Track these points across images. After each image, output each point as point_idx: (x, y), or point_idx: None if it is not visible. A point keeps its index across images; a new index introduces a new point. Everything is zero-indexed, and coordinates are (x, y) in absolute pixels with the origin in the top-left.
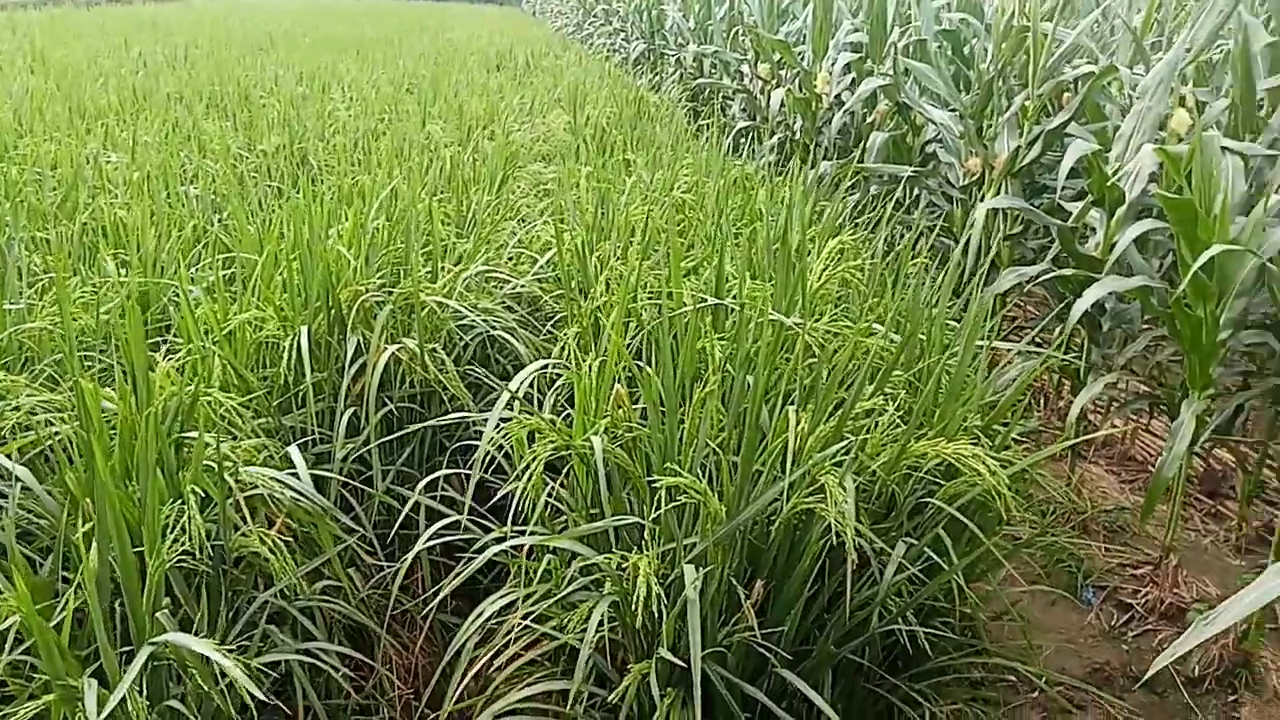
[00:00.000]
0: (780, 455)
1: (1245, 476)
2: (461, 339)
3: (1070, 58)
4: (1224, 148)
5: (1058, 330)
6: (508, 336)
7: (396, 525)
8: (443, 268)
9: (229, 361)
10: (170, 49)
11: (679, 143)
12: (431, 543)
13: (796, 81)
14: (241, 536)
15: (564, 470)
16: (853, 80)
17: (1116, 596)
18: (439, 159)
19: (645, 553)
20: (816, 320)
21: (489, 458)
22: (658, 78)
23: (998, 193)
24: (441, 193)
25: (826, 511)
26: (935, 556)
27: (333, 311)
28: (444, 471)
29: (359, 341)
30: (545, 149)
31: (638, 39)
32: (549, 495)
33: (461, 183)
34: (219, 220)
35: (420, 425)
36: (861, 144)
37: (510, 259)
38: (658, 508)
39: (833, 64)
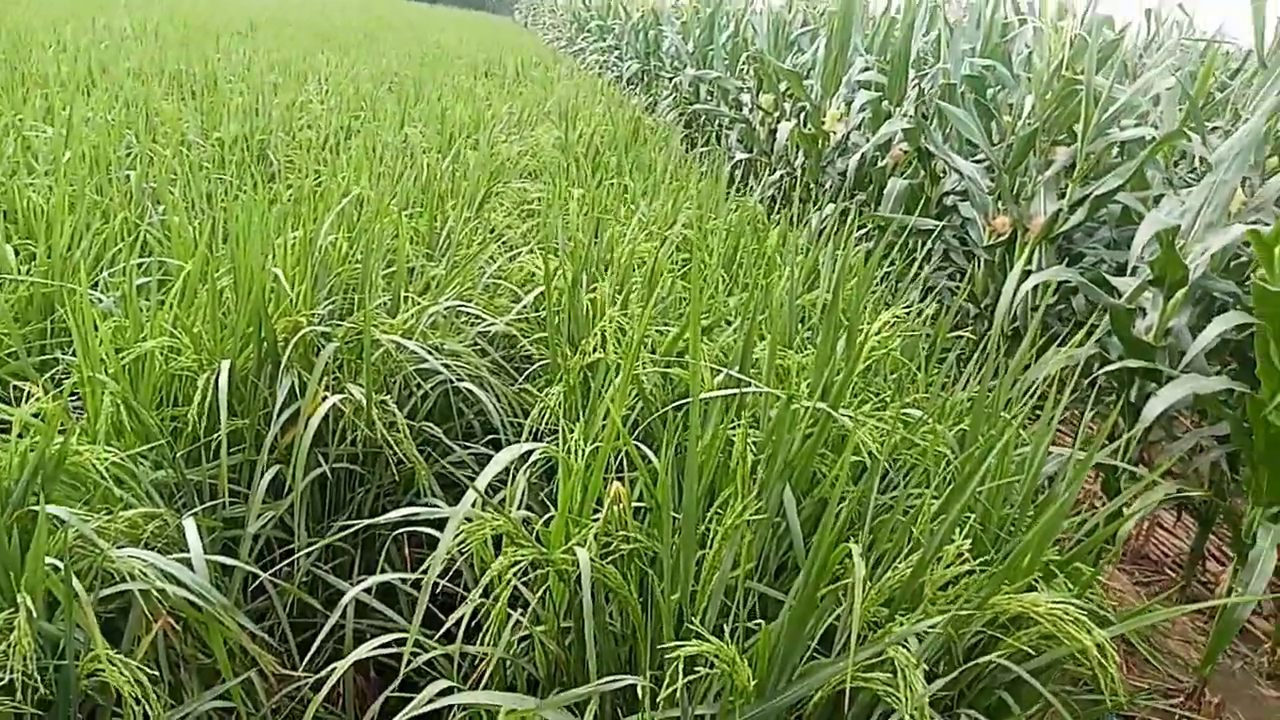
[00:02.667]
0: (831, 605)
1: None
2: (420, 386)
3: (1118, 118)
4: None
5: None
6: (477, 391)
7: (323, 633)
8: (406, 297)
9: (125, 400)
10: (142, 24)
11: (678, 170)
12: (362, 656)
13: (802, 116)
14: (93, 661)
15: (536, 581)
16: (863, 120)
17: None
18: (415, 166)
19: None
20: (863, 406)
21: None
22: (652, 99)
23: (1031, 257)
24: (414, 205)
25: (896, 700)
26: None
27: (265, 344)
28: (382, 577)
29: (293, 384)
30: (533, 164)
31: (632, 58)
32: (515, 608)
33: (438, 195)
34: (156, 214)
35: (361, 522)
36: (870, 188)
37: (486, 289)
38: (657, 645)
39: (846, 102)
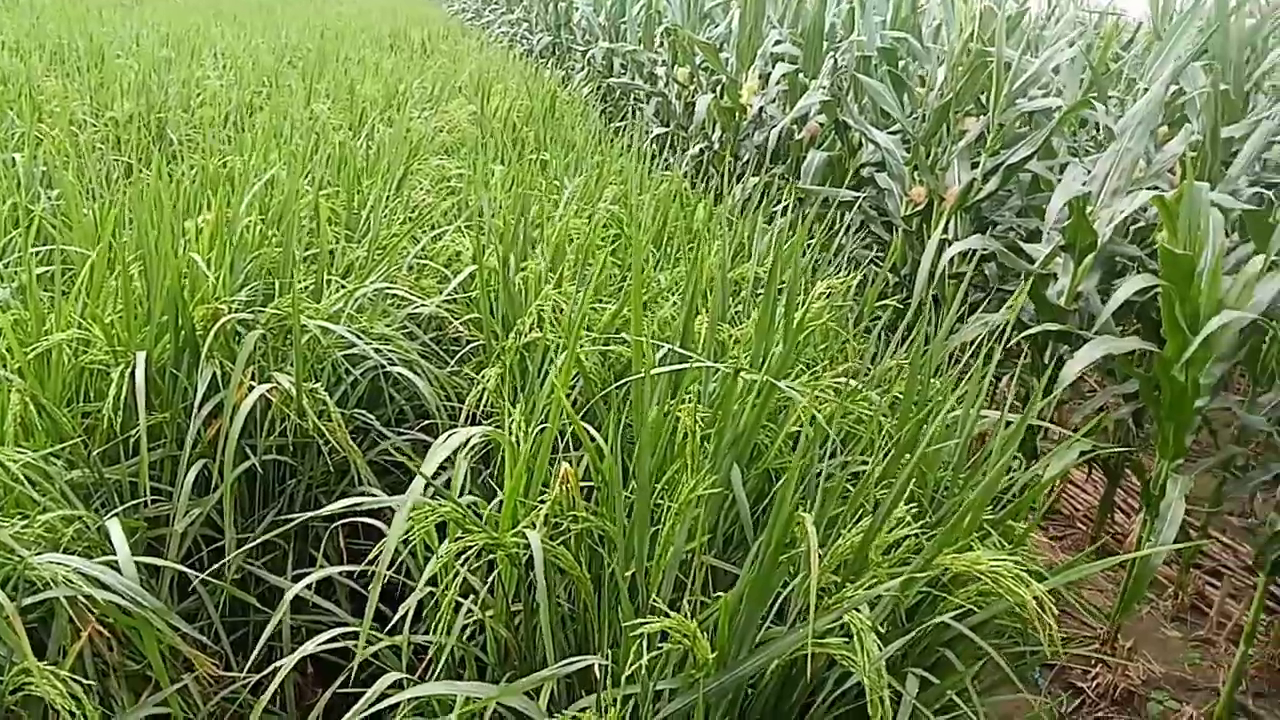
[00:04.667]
0: (784, 575)
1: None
2: (349, 373)
3: (1028, 88)
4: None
5: (999, 374)
6: (410, 375)
7: (266, 633)
8: (329, 280)
9: (33, 397)
10: None
11: (599, 146)
12: (309, 652)
13: (719, 89)
14: (21, 674)
15: (482, 567)
16: (781, 93)
17: (1065, 678)
18: (327, 143)
19: (604, 705)
20: (799, 377)
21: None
22: (565, 73)
23: (947, 226)
24: (329, 185)
25: (853, 663)
26: (959, 702)
27: (182, 333)
28: (326, 571)
29: (215, 374)
30: (449, 140)
31: (542, 31)
32: (462, 595)
33: (354, 174)
34: (49, 200)
35: (299, 516)
36: (789, 160)
37: (411, 270)
38: (611, 623)
39: (761, 76)
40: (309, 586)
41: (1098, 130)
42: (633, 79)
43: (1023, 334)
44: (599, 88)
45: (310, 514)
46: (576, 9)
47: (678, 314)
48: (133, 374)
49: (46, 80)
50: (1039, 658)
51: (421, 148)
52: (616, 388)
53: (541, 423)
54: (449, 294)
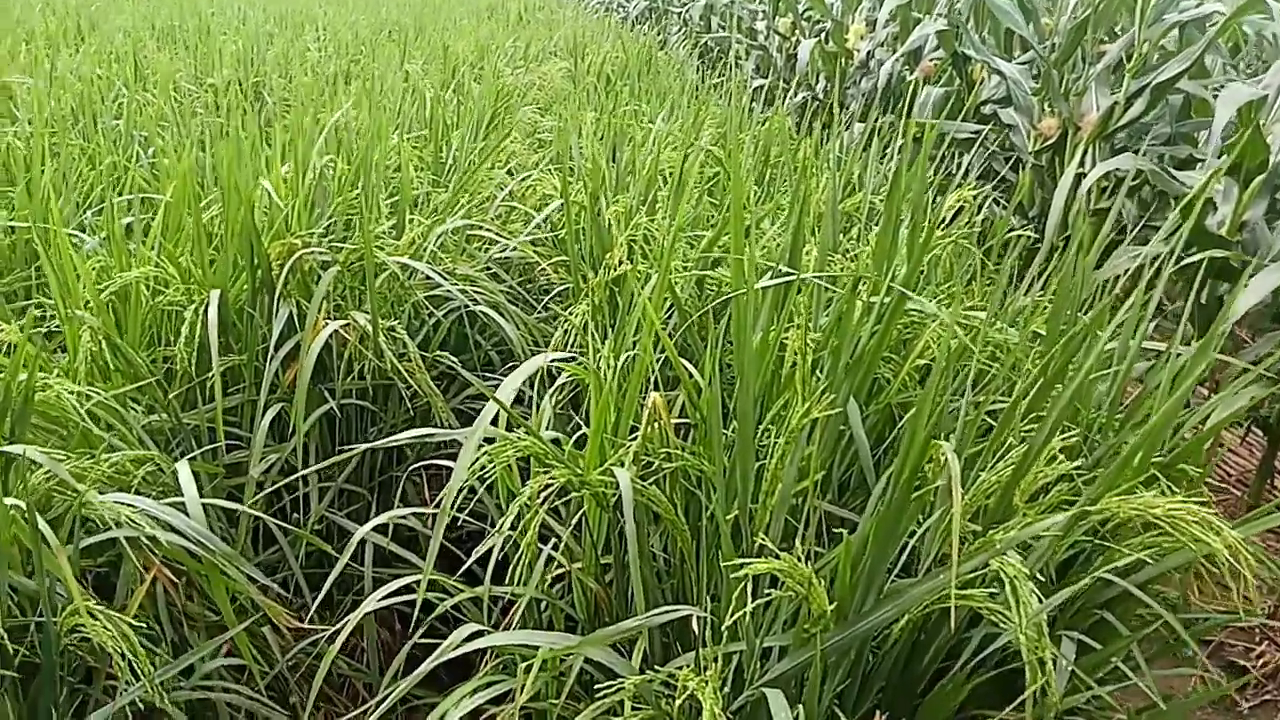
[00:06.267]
0: (913, 509)
1: None
2: (432, 314)
3: (1175, 1)
4: None
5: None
6: (493, 314)
7: (333, 575)
8: (412, 219)
9: (107, 337)
10: None
11: (697, 94)
12: (376, 604)
13: (823, 35)
14: (73, 615)
15: (567, 501)
16: (890, 35)
17: (1224, 655)
18: (416, 97)
19: (704, 663)
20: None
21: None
22: (662, 36)
23: (1083, 159)
24: (417, 134)
25: (1005, 619)
26: (1126, 670)
27: (259, 270)
28: (398, 512)
29: (291, 313)
30: (542, 97)
31: None
32: (544, 543)
33: (443, 124)
34: (146, 158)
35: (361, 446)
36: (899, 106)
37: (498, 216)
38: (710, 575)
39: (868, 22)
40: (386, 533)
41: (1259, 52)
42: (731, 34)
43: (1180, 263)
44: (696, 45)
45: (377, 443)
46: None
47: (781, 240)
48: (206, 312)
49: (156, 54)
50: (1202, 628)
51: (512, 98)
52: (715, 310)
53: (631, 353)
54: (532, 231)
